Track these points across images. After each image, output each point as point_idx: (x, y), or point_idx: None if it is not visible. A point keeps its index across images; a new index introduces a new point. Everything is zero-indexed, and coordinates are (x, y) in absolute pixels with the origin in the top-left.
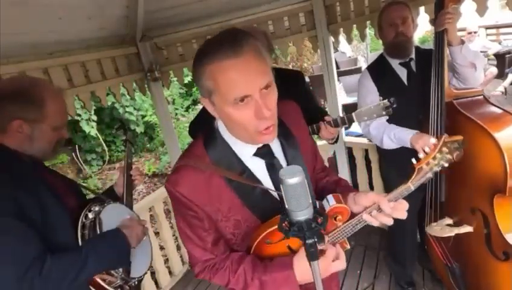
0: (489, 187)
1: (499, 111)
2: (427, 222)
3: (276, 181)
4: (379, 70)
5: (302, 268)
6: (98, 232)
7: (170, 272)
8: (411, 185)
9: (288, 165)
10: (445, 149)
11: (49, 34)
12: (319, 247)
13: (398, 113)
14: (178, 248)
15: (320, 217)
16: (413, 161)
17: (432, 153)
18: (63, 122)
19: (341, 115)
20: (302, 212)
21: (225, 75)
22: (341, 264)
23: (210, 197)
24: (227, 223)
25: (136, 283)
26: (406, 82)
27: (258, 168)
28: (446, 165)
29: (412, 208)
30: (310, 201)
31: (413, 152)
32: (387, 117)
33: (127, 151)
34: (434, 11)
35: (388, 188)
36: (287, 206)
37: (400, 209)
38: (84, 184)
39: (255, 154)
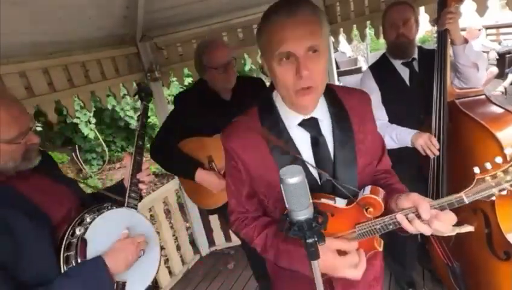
0: None
1: (501, 110)
2: None
3: (318, 157)
4: (381, 70)
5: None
6: (79, 257)
7: (170, 272)
8: (464, 196)
9: (335, 147)
10: None
11: (49, 34)
12: (344, 247)
13: (400, 112)
14: (178, 248)
15: (321, 217)
16: (475, 170)
17: (504, 164)
18: (21, 131)
19: None
20: (302, 212)
21: (275, 30)
22: (356, 274)
23: (252, 154)
24: (261, 183)
25: None
26: (408, 82)
27: (302, 140)
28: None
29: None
30: (311, 201)
31: (414, 155)
32: (386, 117)
33: (139, 129)
34: (437, 11)
35: None
36: (287, 206)
37: (444, 221)
38: (84, 182)
39: (301, 125)
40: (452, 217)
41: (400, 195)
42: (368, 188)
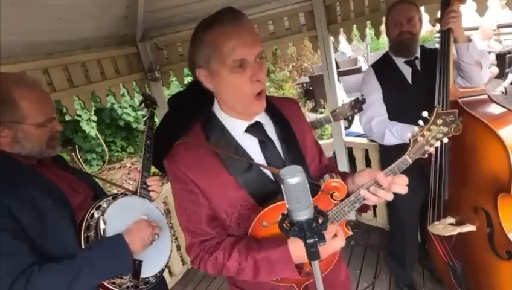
0: (494, 186)
1: (504, 110)
2: (429, 221)
3: (270, 160)
4: (384, 68)
5: (297, 245)
6: (99, 236)
7: (170, 272)
8: (407, 158)
9: (282, 148)
10: (440, 121)
11: (49, 34)
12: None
13: (401, 111)
14: (178, 247)
15: (321, 217)
16: (408, 135)
17: (427, 124)
18: (48, 117)
19: (318, 117)
20: (302, 212)
21: (227, 38)
22: (340, 242)
23: (205, 173)
24: (221, 201)
25: (154, 280)
26: (410, 81)
27: (251, 146)
28: (445, 139)
29: (412, 209)
30: (311, 201)
31: None
32: (386, 114)
33: (147, 130)
34: (440, 10)
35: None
36: (287, 206)
37: (399, 183)
38: (99, 177)
39: (247, 131)
40: (404, 178)
41: (354, 174)
42: (327, 176)
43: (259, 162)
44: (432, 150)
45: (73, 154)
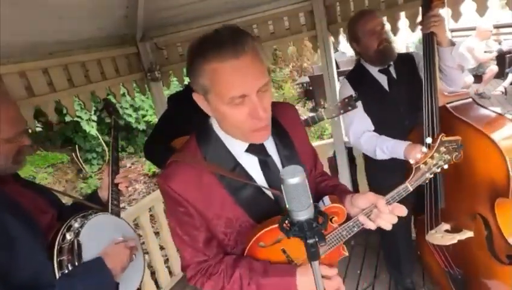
0: (490, 192)
1: (492, 114)
2: (426, 230)
3: (270, 179)
4: (358, 79)
5: (305, 279)
6: (75, 260)
7: (170, 272)
8: (409, 185)
9: (282, 164)
10: (443, 149)
11: (49, 34)
12: (327, 272)
13: (383, 120)
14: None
15: (321, 217)
16: (411, 161)
17: (430, 152)
18: (18, 131)
19: (311, 114)
20: (302, 212)
21: (223, 76)
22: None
23: (201, 193)
24: (218, 221)
25: None
26: (387, 89)
27: (251, 165)
28: (445, 166)
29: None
30: (311, 201)
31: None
32: (372, 126)
33: (112, 141)
34: (421, 14)
35: (374, 191)
36: (287, 206)
37: (398, 213)
38: (59, 191)
39: (247, 151)
40: (403, 210)
41: (354, 196)
42: (327, 199)
43: (260, 180)
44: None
45: (73, 154)
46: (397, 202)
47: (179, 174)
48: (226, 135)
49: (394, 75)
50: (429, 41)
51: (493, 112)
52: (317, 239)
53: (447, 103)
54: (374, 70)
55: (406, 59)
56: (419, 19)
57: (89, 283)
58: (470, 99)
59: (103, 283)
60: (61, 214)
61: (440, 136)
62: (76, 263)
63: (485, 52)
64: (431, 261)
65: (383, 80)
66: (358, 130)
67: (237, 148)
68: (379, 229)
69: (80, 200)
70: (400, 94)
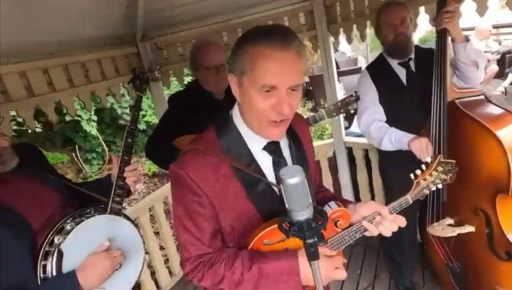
0: (492, 187)
1: (501, 111)
2: (428, 222)
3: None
4: (378, 71)
5: (307, 262)
6: (55, 270)
7: (170, 272)
8: (409, 198)
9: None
10: (440, 168)
11: (49, 34)
12: (328, 252)
13: (397, 112)
14: (178, 247)
15: (321, 217)
16: (412, 176)
17: (429, 170)
18: None
19: (311, 114)
20: (302, 212)
21: (265, 61)
22: (343, 273)
23: (216, 183)
24: (228, 214)
25: None
26: (405, 82)
27: (265, 163)
28: (440, 185)
29: (409, 213)
30: (310, 201)
31: (411, 153)
32: (384, 117)
33: (129, 125)
34: (436, 9)
35: (388, 188)
36: (287, 206)
37: (399, 223)
38: (69, 183)
39: (264, 149)
40: (403, 221)
41: (357, 204)
42: (333, 203)
43: (270, 179)
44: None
45: (73, 154)
46: None
47: (197, 162)
48: (246, 130)
49: (413, 69)
50: (442, 37)
51: (504, 109)
52: (316, 239)
53: (456, 99)
54: (393, 63)
55: (428, 54)
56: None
57: None
58: (482, 96)
59: None
60: (68, 203)
61: (438, 157)
62: (55, 273)
63: (485, 52)
64: (433, 253)
65: (401, 73)
66: (370, 118)
67: (255, 145)
68: None
69: (86, 192)
70: (416, 89)
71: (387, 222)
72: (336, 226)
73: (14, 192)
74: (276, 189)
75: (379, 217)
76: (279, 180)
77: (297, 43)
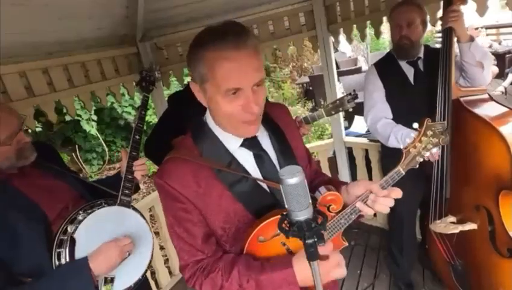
0: (495, 184)
1: (505, 109)
2: (430, 220)
3: (266, 173)
4: (386, 68)
5: (302, 267)
6: (69, 257)
7: (170, 272)
8: (401, 169)
9: (278, 159)
10: (430, 132)
11: (49, 34)
12: (322, 251)
13: (403, 110)
14: None
15: (321, 217)
16: (401, 146)
17: (418, 136)
18: (10, 133)
19: (310, 113)
20: (302, 212)
21: (223, 65)
22: (342, 271)
23: (199, 188)
24: (217, 217)
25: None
26: (412, 81)
27: (246, 159)
28: (434, 150)
29: (411, 207)
30: (310, 201)
31: None
32: (391, 114)
33: (137, 122)
34: (442, 9)
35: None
36: (286, 206)
37: (394, 196)
38: (82, 178)
39: (242, 145)
40: (399, 192)
41: (349, 185)
42: (323, 188)
43: (255, 175)
44: (429, 157)
45: (73, 154)
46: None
47: (177, 169)
48: (221, 131)
49: (422, 69)
50: (447, 36)
51: (508, 107)
52: (316, 239)
53: (461, 97)
54: (402, 62)
55: (437, 54)
56: (440, 14)
57: (67, 283)
58: (486, 95)
59: (82, 284)
60: (83, 196)
61: (426, 120)
62: (69, 259)
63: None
64: (435, 252)
65: (409, 71)
66: (377, 115)
67: (232, 143)
68: (388, 219)
69: (96, 184)
70: (424, 88)
71: (381, 198)
72: (329, 210)
73: (32, 184)
74: (262, 184)
75: (372, 195)
76: (268, 173)
77: (251, 38)
